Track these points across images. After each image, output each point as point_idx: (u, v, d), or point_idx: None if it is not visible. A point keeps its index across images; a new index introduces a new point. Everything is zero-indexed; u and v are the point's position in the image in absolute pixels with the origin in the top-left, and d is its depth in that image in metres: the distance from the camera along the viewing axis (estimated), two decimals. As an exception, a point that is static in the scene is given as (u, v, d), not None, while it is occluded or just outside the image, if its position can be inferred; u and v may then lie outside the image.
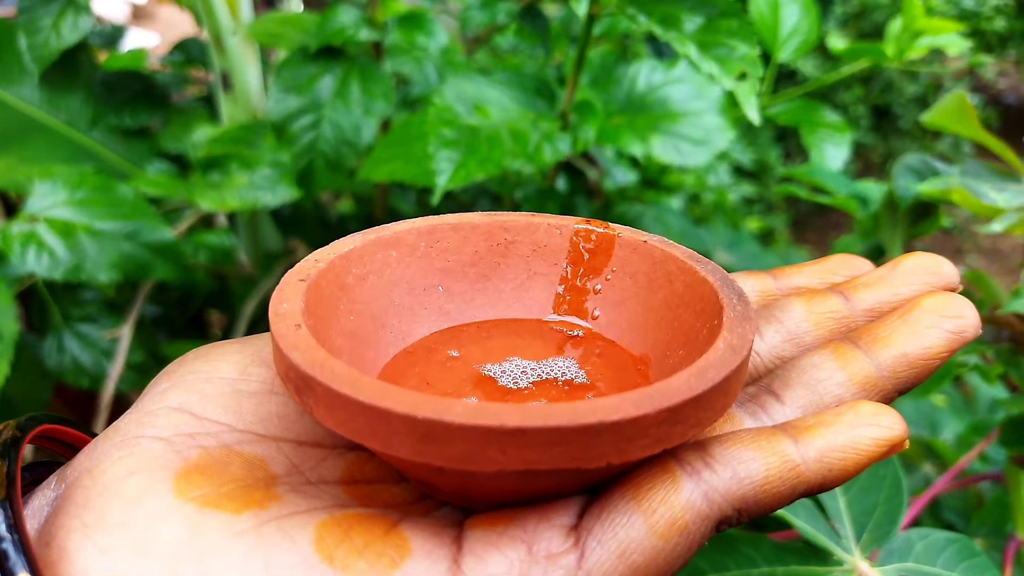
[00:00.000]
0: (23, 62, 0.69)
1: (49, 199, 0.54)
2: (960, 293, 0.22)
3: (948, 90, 2.13)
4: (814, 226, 2.00)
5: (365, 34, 0.51)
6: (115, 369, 0.59)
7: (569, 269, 0.25)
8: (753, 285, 0.24)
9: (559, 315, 0.25)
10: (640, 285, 0.23)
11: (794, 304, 0.23)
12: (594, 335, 0.24)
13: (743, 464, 0.18)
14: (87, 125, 0.73)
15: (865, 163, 2.16)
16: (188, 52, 0.78)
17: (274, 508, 0.17)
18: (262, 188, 0.57)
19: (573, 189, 0.64)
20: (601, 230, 0.24)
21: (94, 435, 0.21)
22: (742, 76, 0.33)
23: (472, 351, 0.23)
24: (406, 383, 0.21)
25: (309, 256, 0.21)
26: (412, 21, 0.56)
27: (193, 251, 0.72)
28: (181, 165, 0.73)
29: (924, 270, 0.22)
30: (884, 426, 0.18)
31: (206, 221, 0.77)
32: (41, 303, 0.64)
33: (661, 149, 0.44)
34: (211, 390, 0.20)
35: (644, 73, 0.49)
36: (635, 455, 0.16)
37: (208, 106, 0.77)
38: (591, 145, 0.41)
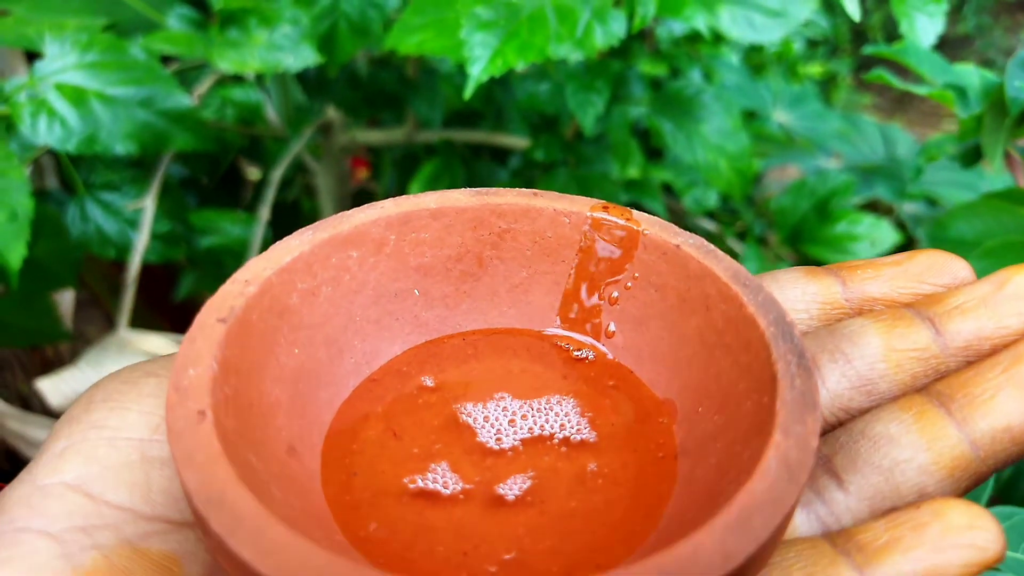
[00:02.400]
0: None
1: (58, 62, 0.51)
2: None
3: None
4: (880, 70, 1.87)
5: None
6: (141, 241, 0.57)
7: (579, 269, 0.20)
8: (814, 294, 0.19)
9: (565, 328, 0.20)
10: (668, 303, 0.19)
11: (869, 334, 0.17)
12: (607, 361, 0.19)
13: None
14: (102, -34, 0.68)
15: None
16: None
17: None
18: (283, 49, 0.52)
19: (625, 46, 0.58)
20: (621, 222, 0.19)
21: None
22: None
23: (452, 378, 0.19)
24: (367, 435, 0.17)
25: (237, 274, 0.16)
26: None
27: (220, 107, 0.68)
28: (204, 10, 0.68)
29: None
30: (978, 546, 0.14)
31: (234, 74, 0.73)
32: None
33: (730, 22, 0.38)
34: (115, 458, 0.16)
35: (714, -75, 0.42)
36: None
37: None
38: (649, 21, 0.35)
